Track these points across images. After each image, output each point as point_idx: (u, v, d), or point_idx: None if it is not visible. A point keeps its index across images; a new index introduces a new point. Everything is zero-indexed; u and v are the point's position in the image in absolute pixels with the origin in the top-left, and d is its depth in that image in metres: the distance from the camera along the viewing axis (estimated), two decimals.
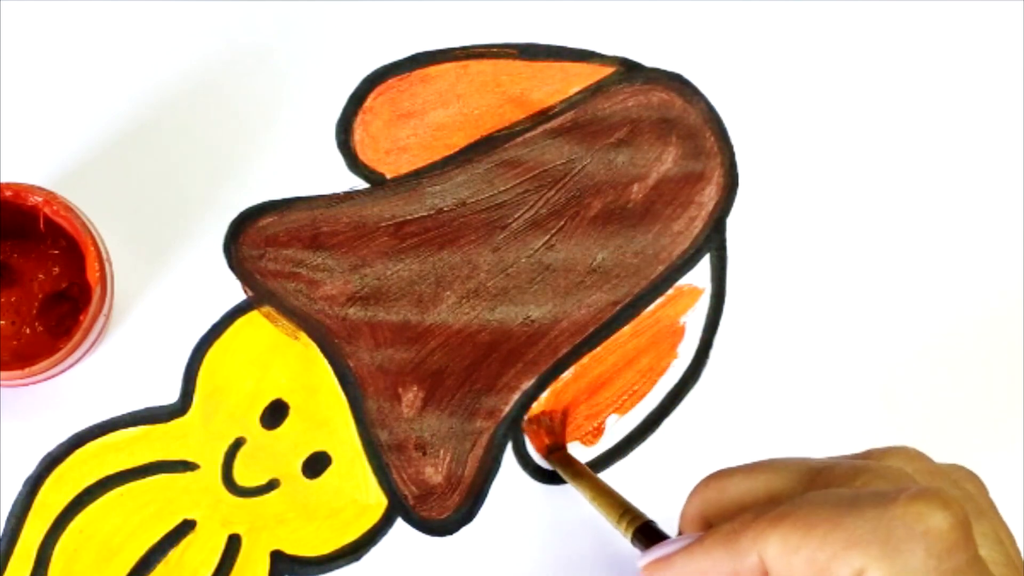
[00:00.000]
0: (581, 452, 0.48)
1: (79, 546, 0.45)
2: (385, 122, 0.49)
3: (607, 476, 0.48)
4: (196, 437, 0.46)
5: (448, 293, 0.48)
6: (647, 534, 0.41)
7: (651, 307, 0.49)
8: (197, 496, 0.46)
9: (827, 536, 0.33)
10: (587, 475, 0.46)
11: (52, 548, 0.45)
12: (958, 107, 0.51)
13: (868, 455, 0.37)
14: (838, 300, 0.50)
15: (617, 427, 0.48)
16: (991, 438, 0.50)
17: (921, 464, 0.37)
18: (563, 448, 0.48)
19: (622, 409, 0.48)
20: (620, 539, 0.47)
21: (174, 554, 0.45)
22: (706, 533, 0.36)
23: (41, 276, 0.46)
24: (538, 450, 0.47)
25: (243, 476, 0.46)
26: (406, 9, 0.49)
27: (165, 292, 0.47)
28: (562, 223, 0.49)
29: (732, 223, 0.50)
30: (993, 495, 0.37)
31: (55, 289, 0.46)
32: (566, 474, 0.46)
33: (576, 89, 0.50)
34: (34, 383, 0.45)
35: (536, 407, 0.48)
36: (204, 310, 0.47)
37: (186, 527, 0.46)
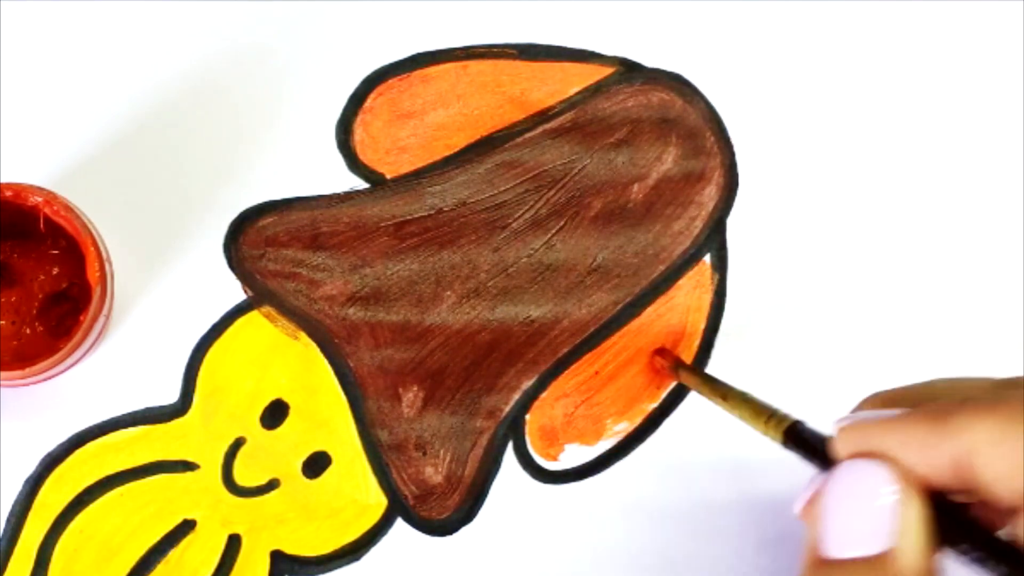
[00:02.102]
0: (582, 452, 0.48)
1: (79, 546, 0.45)
2: (385, 122, 0.49)
3: (607, 476, 0.48)
4: (196, 437, 0.46)
5: (448, 293, 0.48)
6: (797, 436, 0.40)
7: (651, 306, 0.49)
8: (197, 496, 0.46)
9: None
10: (719, 385, 0.44)
11: (52, 548, 0.45)
12: (958, 107, 0.51)
13: None
14: (839, 300, 0.50)
15: (617, 427, 0.48)
16: None
17: None
18: (682, 363, 0.47)
19: (622, 409, 0.48)
20: (620, 539, 0.47)
21: (174, 554, 0.45)
22: (912, 410, 0.35)
23: (41, 276, 0.46)
24: (665, 375, 0.47)
25: (243, 476, 0.46)
26: (406, 9, 0.49)
27: (165, 292, 0.47)
28: (562, 223, 0.49)
29: (732, 223, 0.50)
30: None
31: (55, 289, 0.46)
32: (701, 388, 0.45)
33: (576, 89, 0.50)
34: (34, 383, 0.45)
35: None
36: (204, 310, 0.47)
37: (186, 527, 0.46)
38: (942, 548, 0.35)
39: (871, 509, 0.35)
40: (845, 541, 0.35)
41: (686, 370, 0.47)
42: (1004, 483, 0.33)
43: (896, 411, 0.36)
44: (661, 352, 0.48)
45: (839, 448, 0.37)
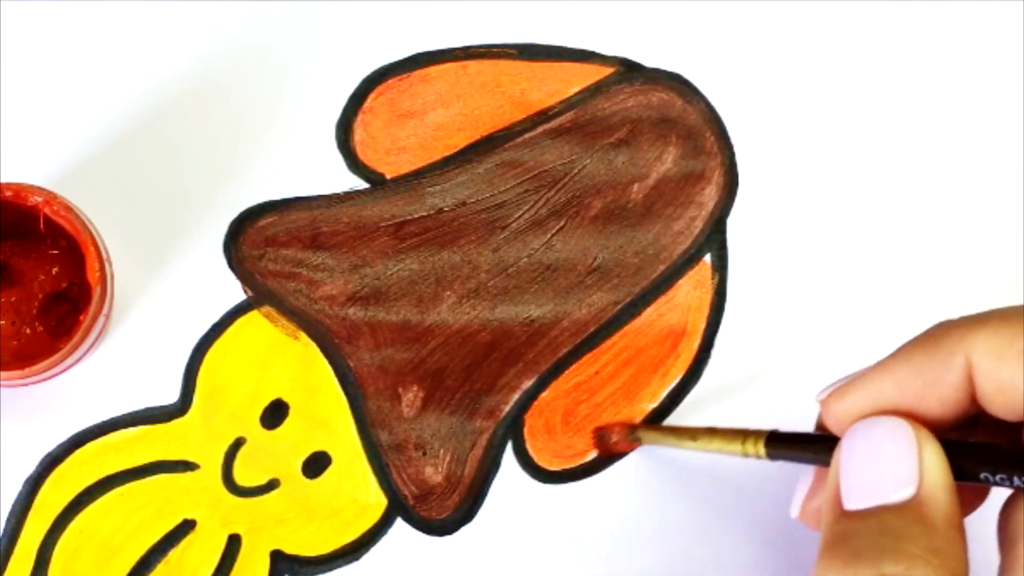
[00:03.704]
0: (581, 452, 0.48)
1: (79, 546, 0.45)
2: (385, 122, 0.49)
3: (606, 476, 0.48)
4: (196, 437, 0.46)
5: (448, 293, 0.48)
6: (779, 441, 0.40)
7: (652, 306, 0.49)
8: (197, 496, 0.46)
9: None
10: (683, 430, 0.44)
11: (52, 548, 0.45)
12: (958, 107, 0.51)
13: None
14: (839, 300, 0.50)
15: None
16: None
17: None
18: (636, 426, 0.47)
19: (622, 409, 0.48)
20: (620, 539, 0.47)
21: (174, 554, 0.45)
22: (902, 350, 0.34)
23: (41, 276, 0.46)
24: (618, 447, 0.47)
25: (243, 476, 0.46)
26: (406, 9, 0.49)
27: (165, 292, 0.47)
28: (562, 223, 0.49)
29: (732, 223, 0.50)
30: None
31: (55, 289, 0.46)
32: (666, 440, 0.45)
33: (576, 89, 0.50)
34: (34, 383, 0.45)
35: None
36: (204, 310, 0.47)
37: (186, 527, 0.46)
38: (970, 481, 0.35)
39: (891, 460, 0.35)
40: (870, 491, 0.35)
41: (642, 430, 0.47)
42: (1008, 395, 0.32)
43: (876, 362, 0.35)
44: (603, 429, 0.47)
45: (833, 415, 0.37)
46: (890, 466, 0.35)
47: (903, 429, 0.35)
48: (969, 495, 0.37)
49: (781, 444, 0.40)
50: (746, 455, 0.41)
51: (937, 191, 0.51)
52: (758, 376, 0.49)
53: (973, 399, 0.34)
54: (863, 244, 0.50)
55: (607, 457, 0.47)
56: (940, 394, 0.34)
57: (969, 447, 0.35)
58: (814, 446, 0.39)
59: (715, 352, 0.49)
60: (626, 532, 0.47)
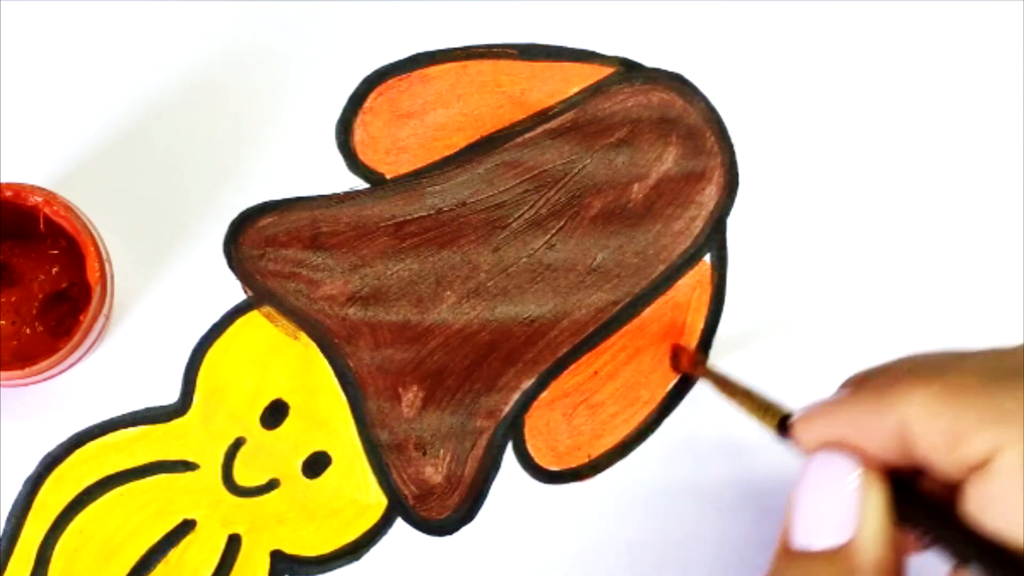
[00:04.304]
0: (581, 452, 0.48)
1: (79, 546, 0.45)
2: (385, 122, 0.49)
3: (606, 476, 0.48)
4: (196, 437, 0.46)
5: (448, 293, 0.48)
6: (785, 428, 0.40)
7: (651, 306, 0.49)
8: (197, 496, 0.46)
9: (970, 406, 0.31)
10: (727, 383, 0.45)
11: (52, 548, 0.45)
12: (958, 107, 0.51)
13: None
14: (839, 300, 0.50)
15: (618, 428, 0.48)
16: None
17: None
18: (699, 360, 0.48)
19: (622, 409, 0.48)
20: (620, 540, 0.47)
21: (174, 554, 0.45)
22: (857, 388, 0.35)
23: (41, 276, 0.46)
24: (687, 368, 0.47)
25: (243, 476, 0.46)
26: (406, 9, 0.49)
27: (165, 292, 0.47)
28: (562, 223, 0.49)
29: (732, 223, 0.50)
30: None
31: (55, 289, 0.46)
32: (714, 384, 0.46)
33: (576, 89, 0.50)
34: (34, 383, 0.45)
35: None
36: (204, 310, 0.47)
37: (186, 527, 0.46)
38: (908, 530, 0.35)
39: (836, 498, 0.34)
40: (811, 531, 0.35)
41: (702, 367, 0.48)
42: (940, 455, 0.32)
43: (841, 393, 0.35)
44: (679, 348, 0.48)
45: (801, 442, 0.37)
46: (830, 506, 0.34)
47: (849, 469, 0.34)
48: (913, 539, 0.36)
49: (789, 431, 0.40)
50: (763, 426, 0.41)
51: (937, 191, 0.51)
52: (758, 376, 0.49)
53: (912, 451, 0.34)
54: (863, 244, 0.50)
55: (684, 380, 0.48)
56: (883, 441, 0.34)
57: (918, 496, 0.34)
58: None
59: (714, 352, 0.49)
60: (626, 532, 0.47)
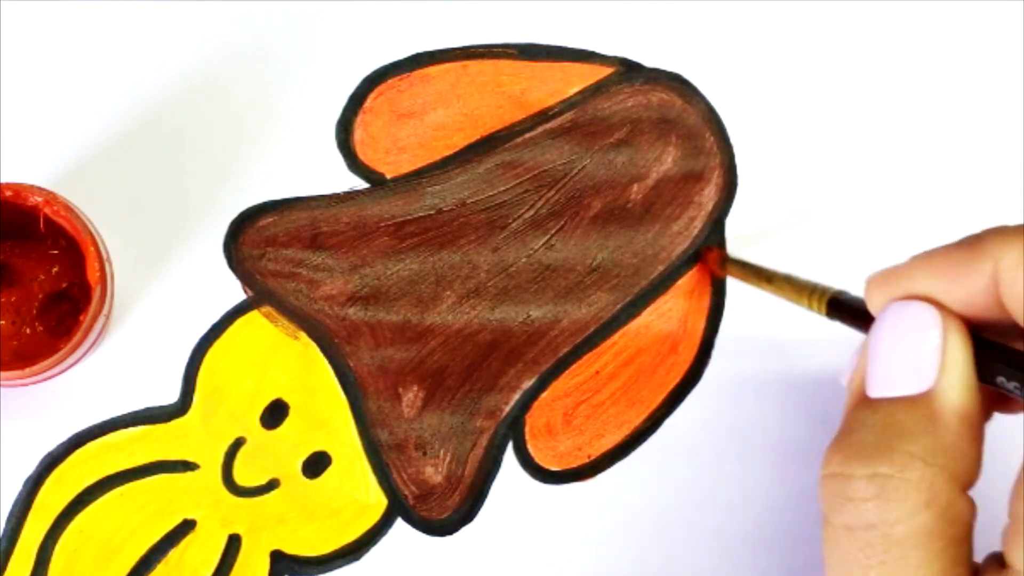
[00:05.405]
0: (582, 452, 0.48)
1: (79, 546, 0.45)
2: (385, 122, 0.49)
3: (607, 476, 0.48)
4: (196, 437, 0.46)
5: (448, 293, 0.48)
6: (839, 305, 0.39)
7: (651, 306, 0.49)
8: (197, 496, 0.46)
9: None
10: (763, 270, 0.45)
11: (52, 548, 0.45)
12: (958, 107, 0.51)
13: None
14: None
15: (618, 428, 0.48)
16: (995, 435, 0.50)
17: None
18: (726, 256, 0.48)
19: (623, 409, 0.48)
20: (620, 540, 0.47)
21: (174, 554, 0.45)
22: (938, 249, 0.34)
23: (41, 276, 0.46)
24: (715, 270, 0.48)
25: (243, 476, 0.46)
26: (406, 9, 0.49)
27: (165, 292, 0.47)
28: (562, 223, 0.49)
29: (732, 223, 0.50)
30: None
31: (55, 289, 0.46)
32: (748, 278, 0.46)
33: (576, 89, 0.50)
34: (34, 383, 0.45)
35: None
36: (204, 310, 0.47)
37: (186, 527, 0.46)
38: (988, 384, 0.34)
39: (914, 348, 0.34)
40: (889, 380, 0.34)
41: (733, 263, 0.48)
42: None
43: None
44: (709, 250, 0.49)
45: (872, 299, 0.36)
46: (911, 355, 0.34)
47: (930, 317, 0.34)
48: (994, 398, 0.36)
49: (842, 309, 0.39)
50: (810, 309, 0.40)
51: (937, 191, 0.51)
52: (759, 376, 0.49)
53: (999, 304, 0.34)
54: (862, 244, 0.50)
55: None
56: (971, 295, 0.33)
57: (996, 346, 0.34)
58: (870, 320, 0.38)
59: (716, 352, 0.49)
60: (626, 532, 0.47)
